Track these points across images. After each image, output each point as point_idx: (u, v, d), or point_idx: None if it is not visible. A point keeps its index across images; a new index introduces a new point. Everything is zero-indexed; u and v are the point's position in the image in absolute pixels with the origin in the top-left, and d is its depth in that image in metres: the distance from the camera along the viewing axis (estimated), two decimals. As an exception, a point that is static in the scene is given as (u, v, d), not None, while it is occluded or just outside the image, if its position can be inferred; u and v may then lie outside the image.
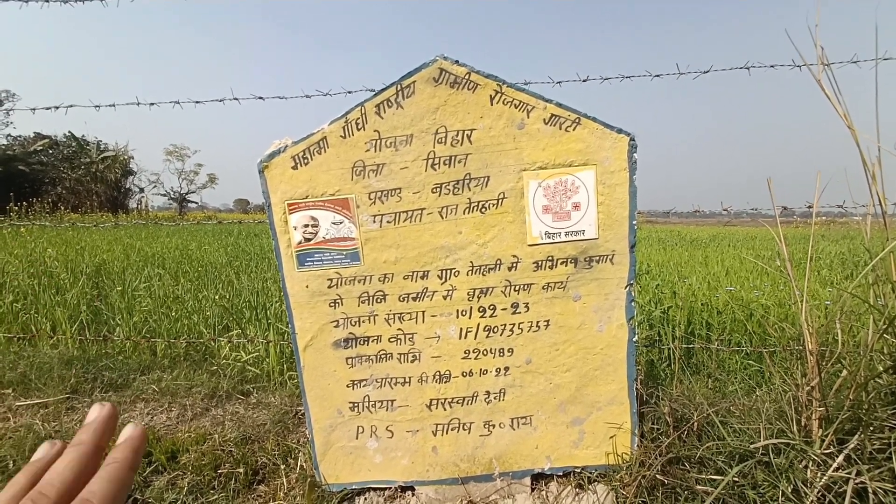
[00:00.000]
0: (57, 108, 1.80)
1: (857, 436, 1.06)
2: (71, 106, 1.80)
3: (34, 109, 1.88)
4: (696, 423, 1.32)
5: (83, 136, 25.51)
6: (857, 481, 1.00)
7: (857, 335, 1.37)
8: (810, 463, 1.07)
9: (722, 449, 1.20)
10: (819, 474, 1.04)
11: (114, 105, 1.81)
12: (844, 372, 1.17)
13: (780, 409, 1.25)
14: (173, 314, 2.93)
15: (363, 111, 1.18)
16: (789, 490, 1.04)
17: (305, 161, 1.20)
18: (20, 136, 24.69)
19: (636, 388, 1.30)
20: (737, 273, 4.44)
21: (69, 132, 25.25)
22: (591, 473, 1.32)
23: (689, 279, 3.80)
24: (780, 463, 1.08)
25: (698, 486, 1.14)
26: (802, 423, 1.15)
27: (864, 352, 1.13)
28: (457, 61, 1.16)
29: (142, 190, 29.79)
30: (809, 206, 1.40)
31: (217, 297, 3.23)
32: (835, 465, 1.03)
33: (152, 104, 1.79)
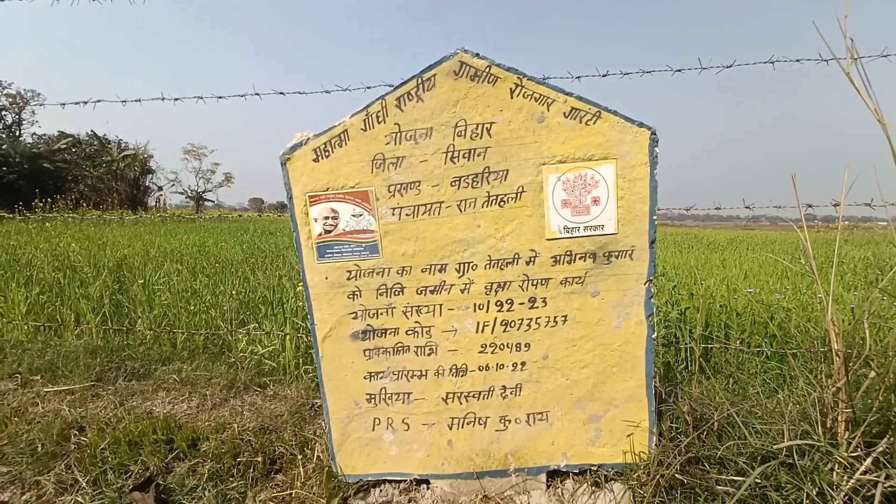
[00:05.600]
0: (85, 103, 1.86)
1: (886, 438, 1.03)
2: (98, 101, 1.85)
3: (63, 104, 1.94)
4: (716, 423, 1.30)
5: (105, 135, 26.19)
6: (886, 485, 0.97)
7: (885, 337, 1.33)
8: (836, 465, 1.04)
9: (743, 450, 1.18)
10: (846, 477, 1.02)
11: (139, 100, 1.86)
12: (872, 374, 1.14)
13: (803, 410, 1.22)
14: (192, 308, 2.98)
15: (384, 104, 1.19)
16: (814, 493, 1.01)
17: (327, 154, 1.21)
18: (45, 135, 25.49)
19: (654, 386, 1.29)
20: (756, 276, 4.35)
21: (91, 131, 25.96)
22: (607, 472, 1.30)
23: (707, 281, 3.74)
24: (805, 465, 1.06)
25: (719, 487, 1.13)
26: (828, 425, 1.13)
27: (893, 353, 1.10)
28: (477, 54, 1.17)
29: (160, 188, 30.46)
30: (836, 204, 1.36)
31: (234, 293, 3.28)
32: (862, 468, 1.00)
33: (176, 100, 1.83)
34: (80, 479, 1.34)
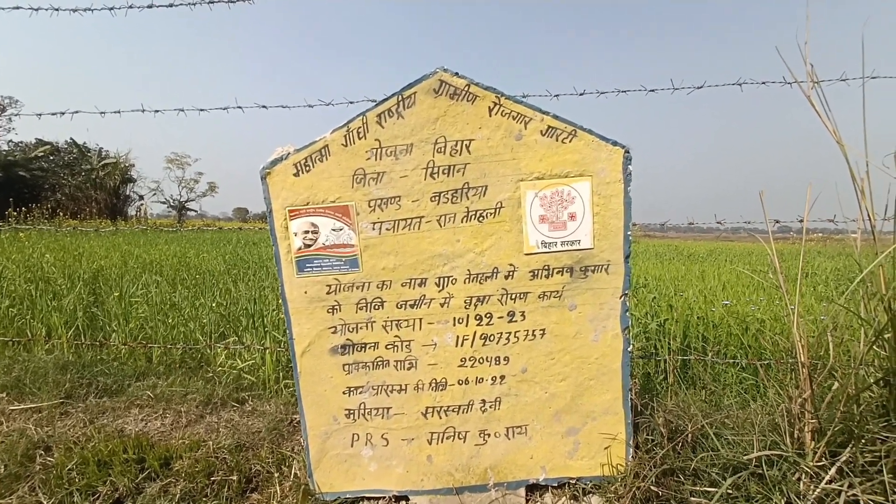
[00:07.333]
0: (63, 113, 1.83)
1: (849, 448, 1.06)
2: (76, 112, 1.82)
3: (40, 115, 1.90)
4: (690, 435, 1.32)
5: (84, 143, 25.64)
6: (849, 494, 1.00)
7: (850, 349, 1.38)
8: (803, 475, 1.07)
9: (716, 461, 1.20)
10: (812, 486, 1.05)
11: (119, 112, 1.84)
12: (836, 384, 1.18)
13: (773, 421, 1.26)
14: (170, 321, 2.91)
15: (365, 120, 1.20)
16: (782, 502, 1.04)
17: (307, 168, 1.22)
18: (22, 142, 24.81)
19: (631, 399, 1.31)
20: (733, 287, 4.45)
21: (70, 139, 25.38)
22: (585, 485, 1.31)
23: (686, 293, 3.81)
24: (774, 475, 1.09)
25: (693, 499, 1.14)
26: (795, 436, 1.16)
27: (854, 364, 1.14)
28: (456, 73, 1.20)
29: (141, 197, 29.85)
30: (801, 220, 1.42)
31: (214, 305, 3.22)
32: (827, 477, 1.03)
33: (157, 111, 1.82)
34: (45, 502, 1.29)
